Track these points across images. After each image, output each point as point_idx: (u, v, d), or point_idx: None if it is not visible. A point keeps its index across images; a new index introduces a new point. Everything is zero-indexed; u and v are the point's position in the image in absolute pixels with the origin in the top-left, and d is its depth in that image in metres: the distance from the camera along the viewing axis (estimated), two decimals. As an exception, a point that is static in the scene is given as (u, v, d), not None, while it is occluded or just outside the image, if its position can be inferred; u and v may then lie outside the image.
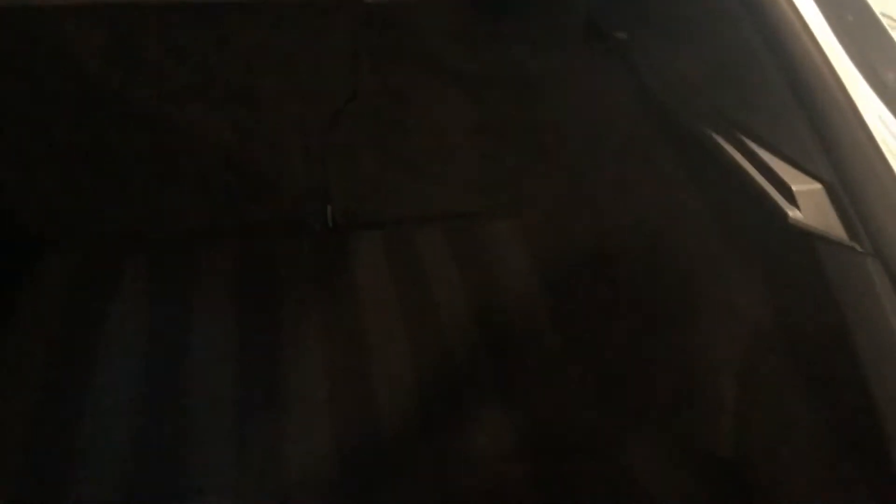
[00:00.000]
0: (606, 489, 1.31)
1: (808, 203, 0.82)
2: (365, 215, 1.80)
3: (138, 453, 1.30)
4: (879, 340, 0.80)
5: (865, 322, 0.82)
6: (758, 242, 1.12)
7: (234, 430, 1.35)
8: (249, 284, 1.65)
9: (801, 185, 0.83)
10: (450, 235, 1.80)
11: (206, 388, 1.42)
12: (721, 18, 1.04)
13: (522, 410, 1.44)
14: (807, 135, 0.87)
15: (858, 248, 0.79)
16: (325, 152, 1.71)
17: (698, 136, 1.05)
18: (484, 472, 1.34)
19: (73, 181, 1.68)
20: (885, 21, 0.92)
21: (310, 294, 1.65)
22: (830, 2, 0.90)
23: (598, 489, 1.30)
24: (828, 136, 0.86)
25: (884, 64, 0.89)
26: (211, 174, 1.70)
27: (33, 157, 1.64)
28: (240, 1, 1.50)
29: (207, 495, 1.25)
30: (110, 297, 1.58)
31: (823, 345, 0.98)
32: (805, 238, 0.87)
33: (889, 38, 0.91)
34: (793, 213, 0.82)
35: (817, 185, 0.83)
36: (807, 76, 0.88)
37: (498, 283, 1.71)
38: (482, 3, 1.61)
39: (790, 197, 0.83)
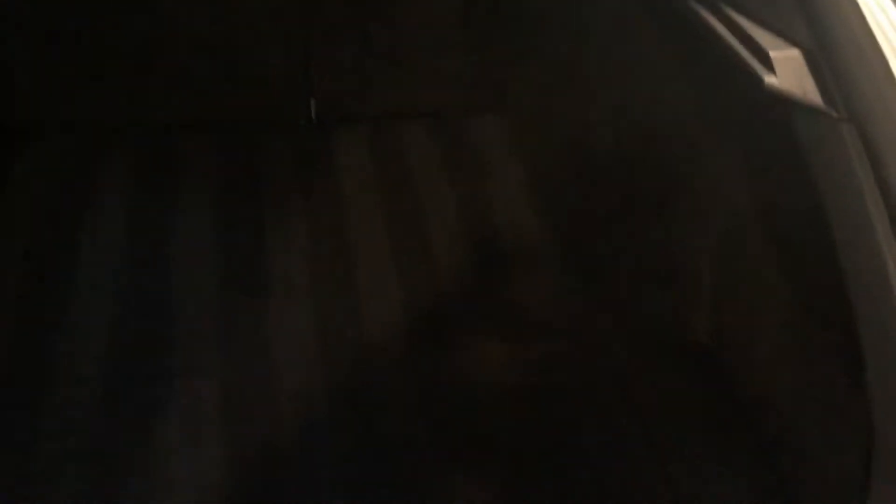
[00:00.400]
0: (583, 374, 1.33)
1: (785, 69, 0.81)
2: (348, 109, 1.78)
3: (121, 335, 1.32)
4: (850, 208, 0.80)
5: (838, 190, 0.81)
6: (737, 120, 1.11)
7: (218, 315, 1.36)
8: (231, 177, 1.64)
9: (779, 50, 0.82)
10: (435, 130, 1.78)
11: (188, 275, 1.43)
12: None
13: (504, 300, 1.45)
14: (788, 2, 0.85)
15: (834, 113, 0.78)
16: (306, 42, 1.68)
17: (681, 11, 1.03)
18: (462, 359, 1.36)
19: (51, 72, 1.65)
20: None
21: (292, 188, 1.64)
22: None
23: (574, 374, 1.33)
24: (812, 3, 0.84)
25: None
26: (190, 65, 1.67)
27: (9, 49, 1.60)
28: None
29: (192, 376, 1.27)
30: (90, 189, 1.58)
31: (798, 221, 0.99)
32: (781, 110, 0.86)
33: None
34: (769, 78, 0.81)
35: (795, 52, 0.82)
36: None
37: (482, 179, 1.70)
38: None
39: (767, 63, 0.81)
